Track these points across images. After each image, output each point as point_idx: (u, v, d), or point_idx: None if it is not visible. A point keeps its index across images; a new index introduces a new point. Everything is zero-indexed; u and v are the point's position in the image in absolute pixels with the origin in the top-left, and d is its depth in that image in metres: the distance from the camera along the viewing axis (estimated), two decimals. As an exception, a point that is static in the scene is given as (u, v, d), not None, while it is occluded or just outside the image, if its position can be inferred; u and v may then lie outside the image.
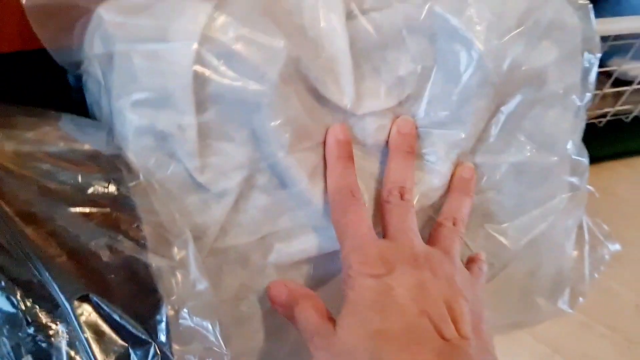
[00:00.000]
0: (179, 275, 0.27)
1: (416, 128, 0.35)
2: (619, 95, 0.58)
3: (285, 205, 0.33)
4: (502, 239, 0.39)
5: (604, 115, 0.60)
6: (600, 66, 0.54)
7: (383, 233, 0.33)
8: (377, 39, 0.33)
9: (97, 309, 0.23)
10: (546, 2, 0.35)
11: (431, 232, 0.35)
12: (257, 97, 0.30)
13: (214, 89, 0.29)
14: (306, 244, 0.34)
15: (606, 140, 0.61)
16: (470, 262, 0.36)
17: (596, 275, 0.48)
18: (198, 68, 0.29)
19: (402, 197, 0.33)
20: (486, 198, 0.38)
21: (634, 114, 0.61)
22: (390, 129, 0.34)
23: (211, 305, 0.26)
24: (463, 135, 0.35)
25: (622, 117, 0.62)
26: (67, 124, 0.31)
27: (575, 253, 0.47)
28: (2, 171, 0.26)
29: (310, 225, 0.33)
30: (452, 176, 0.36)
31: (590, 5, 0.37)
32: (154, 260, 0.27)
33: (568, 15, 0.36)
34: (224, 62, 0.29)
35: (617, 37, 0.50)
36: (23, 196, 0.26)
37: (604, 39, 0.50)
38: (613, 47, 0.53)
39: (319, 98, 0.32)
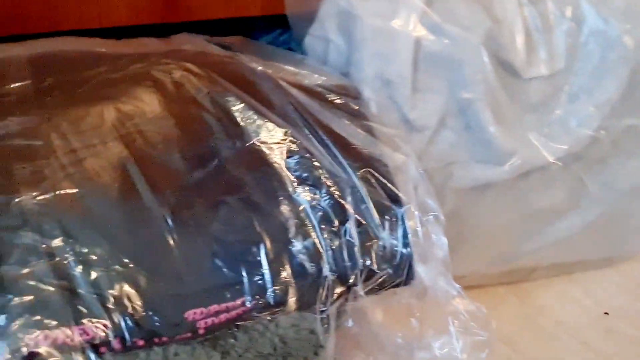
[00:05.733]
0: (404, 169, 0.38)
1: None
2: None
3: (467, 143, 0.43)
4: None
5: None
6: None
7: None
8: (533, 24, 0.44)
9: (376, 179, 0.35)
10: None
11: None
12: (460, 56, 0.41)
13: (427, 50, 0.41)
14: (479, 174, 0.44)
15: None
16: None
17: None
18: (418, 33, 0.40)
19: None
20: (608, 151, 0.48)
21: None
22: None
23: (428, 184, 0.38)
24: (604, 100, 0.45)
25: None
26: (312, 63, 0.43)
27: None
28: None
29: (484, 160, 0.44)
30: None
31: None
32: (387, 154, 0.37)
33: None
34: (438, 30, 0.41)
35: None
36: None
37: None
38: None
39: (500, 62, 0.43)
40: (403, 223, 0.35)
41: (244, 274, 0.31)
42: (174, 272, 0.30)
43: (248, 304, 0.31)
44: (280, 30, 0.54)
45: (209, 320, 0.30)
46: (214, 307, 0.30)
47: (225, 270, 0.31)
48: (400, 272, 0.35)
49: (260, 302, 0.31)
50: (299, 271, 0.32)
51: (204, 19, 0.44)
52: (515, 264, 0.50)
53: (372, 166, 0.35)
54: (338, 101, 0.39)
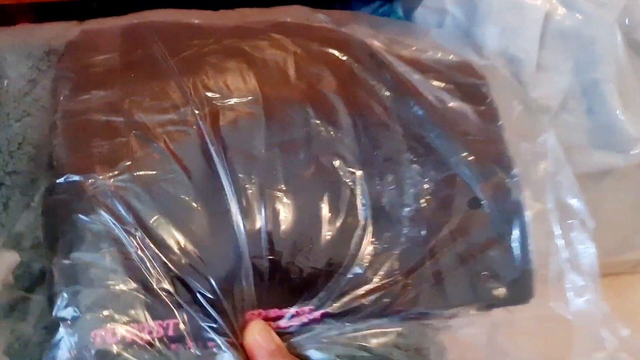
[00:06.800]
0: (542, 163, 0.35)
1: None
2: None
3: (588, 126, 0.41)
4: None
5: None
6: None
7: None
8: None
9: (499, 179, 0.33)
10: None
11: None
12: (592, 34, 0.38)
13: (557, 25, 0.39)
14: (598, 161, 0.42)
15: None
16: None
17: None
18: (550, 7, 0.38)
19: None
20: None
21: None
22: None
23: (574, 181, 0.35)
24: None
25: None
26: (436, 36, 0.41)
27: None
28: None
29: (605, 146, 0.42)
30: None
31: None
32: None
33: None
34: (571, 4, 0.38)
35: None
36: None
37: None
38: None
39: (630, 42, 0.40)
40: (526, 232, 0.33)
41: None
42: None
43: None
44: (380, 2, 0.52)
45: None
46: (274, 311, 0.29)
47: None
48: (516, 290, 0.33)
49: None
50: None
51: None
52: (623, 256, 0.48)
53: (497, 163, 0.33)
54: (461, 81, 0.36)
